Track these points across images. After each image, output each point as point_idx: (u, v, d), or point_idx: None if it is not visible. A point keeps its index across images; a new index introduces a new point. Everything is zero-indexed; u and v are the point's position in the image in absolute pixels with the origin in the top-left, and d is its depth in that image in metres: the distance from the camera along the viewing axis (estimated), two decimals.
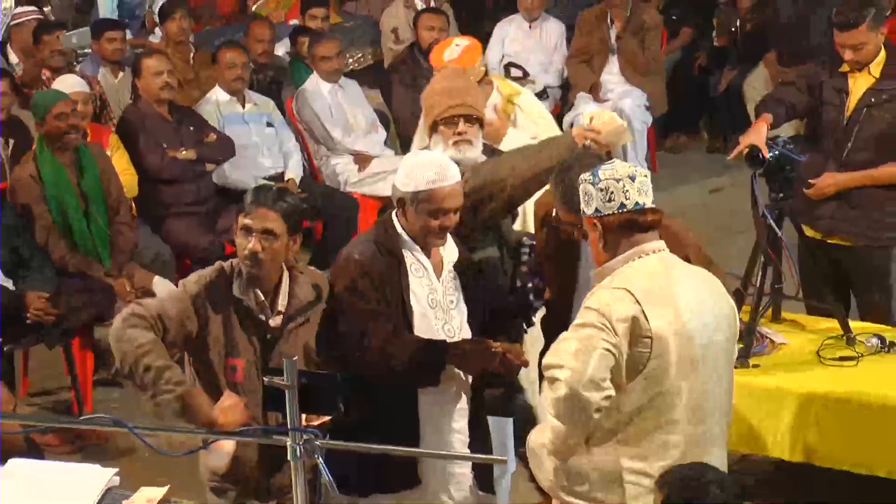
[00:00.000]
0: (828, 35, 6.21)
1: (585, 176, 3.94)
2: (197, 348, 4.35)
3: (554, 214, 4.58)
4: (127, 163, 7.50)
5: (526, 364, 4.44)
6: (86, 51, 9.07)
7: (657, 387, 3.80)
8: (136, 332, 4.17)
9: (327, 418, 4.06)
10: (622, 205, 3.86)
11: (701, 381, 3.87)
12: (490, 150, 5.17)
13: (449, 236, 4.48)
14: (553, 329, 4.15)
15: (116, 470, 4.18)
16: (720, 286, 4.05)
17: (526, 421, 5.03)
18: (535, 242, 4.88)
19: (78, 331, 6.70)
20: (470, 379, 4.51)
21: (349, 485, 4.40)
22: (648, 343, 3.76)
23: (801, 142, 5.80)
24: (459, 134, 4.92)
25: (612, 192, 3.86)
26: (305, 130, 8.66)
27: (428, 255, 4.48)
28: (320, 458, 3.50)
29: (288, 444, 3.46)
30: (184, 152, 7.67)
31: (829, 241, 5.96)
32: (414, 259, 4.46)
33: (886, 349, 5.26)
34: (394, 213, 4.50)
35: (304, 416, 3.55)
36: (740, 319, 4.17)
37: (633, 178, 3.88)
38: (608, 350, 3.73)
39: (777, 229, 5.30)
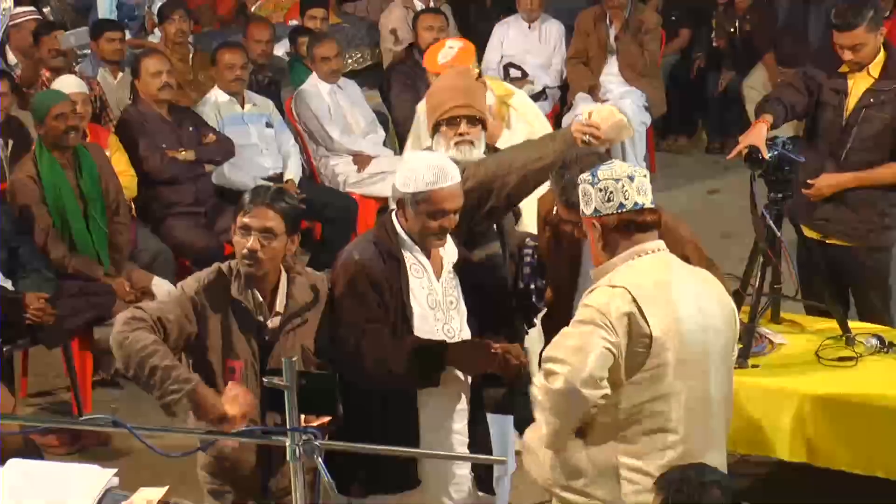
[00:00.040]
0: (826, 36, 6.20)
1: (584, 176, 3.94)
2: (196, 350, 4.35)
3: (555, 212, 4.58)
4: (126, 163, 7.50)
5: (526, 364, 4.45)
6: (85, 51, 9.07)
7: (655, 386, 3.80)
8: (139, 334, 4.17)
9: (326, 419, 4.06)
10: (621, 205, 3.86)
11: (700, 382, 3.87)
12: (488, 151, 5.16)
13: (449, 237, 4.48)
14: (553, 329, 4.15)
15: (116, 470, 4.18)
16: (720, 287, 4.05)
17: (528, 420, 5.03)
18: (537, 243, 4.88)
19: (77, 331, 6.70)
20: (469, 380, 4.52)
21: (349, 486, 4.42)
22: (646, 342, 3.76)
23: (799, 142, 5.80)
24: (461, 135, 4.91)
25: (611, 192, 3.86)
26: (304, 131, 8.66)
27: (427, 255, 4.48)
28: (319, 459, 3.50)
29: (287, 444, 3.46)
30: (183, 153, 7.67)
31: (827, 241, 5.96)
32: (414, 260, 4.46)
33: (885, 349, 5.26)
34: (393, 214, 4.50)
35: (302, 416, 3.55)
36: (739, 320, 4.17)
37: (632, 178, 3.88)
38: (608, 349, 3.73)
39: (776, 230, 5.31)
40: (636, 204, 3.87)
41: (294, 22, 10.39)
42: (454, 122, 4.92)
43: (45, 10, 10.13)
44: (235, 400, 4.18)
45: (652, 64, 10.02)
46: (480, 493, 4.60)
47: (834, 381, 5.05)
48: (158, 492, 4.08)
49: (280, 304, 4.40)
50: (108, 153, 7.32)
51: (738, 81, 10.50)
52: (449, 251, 4.53)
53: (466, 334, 4.51)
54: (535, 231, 4.99)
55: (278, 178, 8.09)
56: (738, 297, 4.95)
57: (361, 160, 8.58)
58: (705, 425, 3.90)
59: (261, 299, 4.37)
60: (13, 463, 4.21)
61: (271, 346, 4.36)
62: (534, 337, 4.97)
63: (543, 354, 3.88)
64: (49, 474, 4.22)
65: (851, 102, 5.82)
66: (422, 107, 6.17)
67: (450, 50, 5.88)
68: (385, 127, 9.01)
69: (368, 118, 8.84)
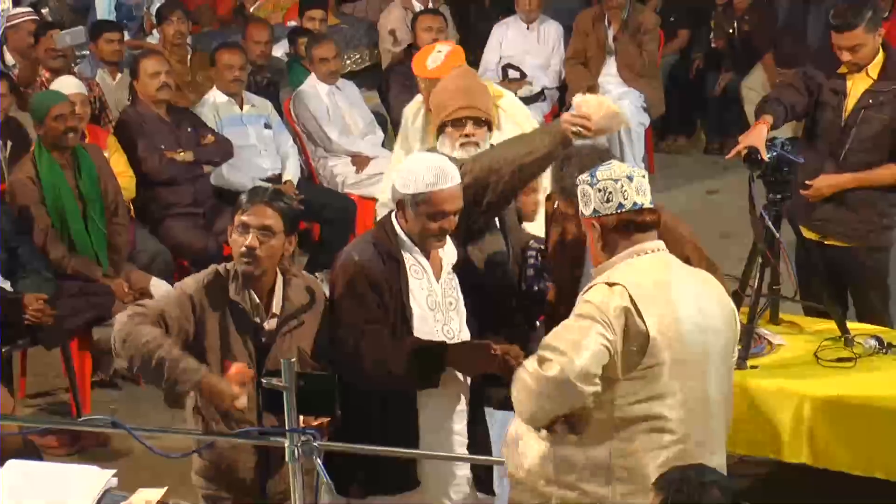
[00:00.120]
0: (825, 37, 6.20)
1: (583, 177, 3.94)
2: (194, 350, 4.33)
3: (556, 205, 4.57)
4: (125, 164, 7.50)
5: None
6: (84, 52, 9.07)
7: (651, 385, 3.79)
8: (143, 328, 4.17)
9: (326, 419, 4.06)
10: (620, 205, 3.86)
11: (699, 382, 3.86)
12: None
13: (448, 238, 4.48)
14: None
15: (114, 471, 4.18)
16: (720, 287, 4.04)
17: None
18: (542, 246, 4.88)
19: (76, 332, 6.70)
20: (469, 380, 4.51)
21: (348, 487, 4.42)
22: (643, 341, 3.75)
23: (798, 143, 5.80)
24: (467, 136, 4.91)
25: (610, 193, 3.86)
26: (303, 132, 8.67)
27: (427, 256, 4.48)
28: (318, 460, 3.50)
29: (286, 445, 3.46)
30: (182, 154, 7.67)
31: (826, 242, 5.96)
32: (413, 261, 4.46)
33: (884, 350, 5.25)
34: (393, 215, 4.50)
35: (301, 417, 3.55)
36: (739, 321, 4.16)
37: (630, 179, 3.88)
38: (605, 346, 3.73)
39: (775, 231, 5.31)
40: (635, 204, 3.87)
41: (293, 23, 10.39)
42: (460, 123, 4.92)
43: (43, 10, 10.13)
44: (237, 377, 4.19)
45: (651, 64, 10.02)
46: (480, 494, 4.60)
47: (833, 383, 5.05)
48: (157, 493, 4.09)
49: (276, 305, 4.40)
50: (106, 154, 7.32)
51: (736, 82, 10.50)
52: (448, 252, 4.53)
53: (466, 335, 4.51)
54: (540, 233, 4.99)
55: (277, 178, 8.10)
56: (736, 297, 4.94)
57: (360, 161, 8.58)
58: (705, 426, 3.89)
59: (258, 301, 4.37)
60: (12, 464, 4.22)
61: (268, 348, 4.37)
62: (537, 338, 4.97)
63: (542, 341, 3.87)
64: (48, 475, 4.22)
65: (850, 103, 5.82)
66: (409, 109, 6.18)
67: (439, 54, 5.86)
68: (383, 128, 9.02)
69: (367, 119, 8.84)
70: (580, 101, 4.63)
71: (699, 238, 4.68)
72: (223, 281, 4.37)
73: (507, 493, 5.14)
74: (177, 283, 4.50)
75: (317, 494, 4.16)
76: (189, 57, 9.35)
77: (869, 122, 5.79)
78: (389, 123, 9.20)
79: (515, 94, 7.10)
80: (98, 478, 4.13)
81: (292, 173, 8.23)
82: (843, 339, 5.31)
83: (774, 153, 5.34)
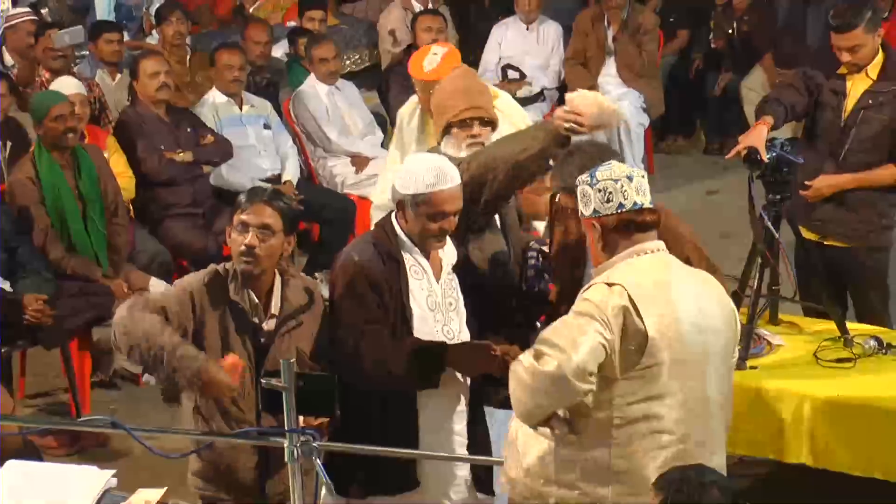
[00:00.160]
0: (825, 37, 6.21)
1: (583, 177, 3.94)
2: None
3: (557, 199, 4.57)
4: (124, 165, 7.50)
5: None
6: (83, 52, 9.07)
7: (650, 385, 3.79)
8: (143, 315, 4.17)
9: (325, 420, 4.06)
10: (620, 205, 3.86)
11: (699, 382, 3.86)
12: None
13: (448, 238, 4.48)
14: None
15: (114, 471, 4.18)
16: (720, 287, 4.04)
17: None
18: (543, 247, 4.87)
19: (76, 332, 6.70)
20: (469, 381, 4.51)
21: (348, 487, 4.42)
22: (641, 341, 3.75)
23: (798, 143, 5.80)
24: (473, 136, 4.91)
25: (610, 193, 3.86)
26: (302, 132, 8.67)
27: (427, 257, 4.48)
28: (318, 461, 3.50)
29: (285, 446, 3.46)
30: (181, 154, 7.67)
31: (825, 242, 5.96)
32: (413, 261, 4.46)
33: (884, 351, 5.25)
34: (393, 215, 4.50)
35: (301, 418, 3.55)
36: (739, 321, 4.16)
37: (630, 179, 3.88)
38: (602, 344, 3.73)
39: (774, 231, 5.31)
40: (635, 204, 3.87)
41: (292, 23, 10.39)
42: (466, 124, 4.92)
43: (42, 10, 10.13)
44: (233, 368, 4.20)
45: (650, 65, 10.02)
46: (480, 494, 4.60)
47: (832, 383, 5.05)
48: (157, 493, 4.08)
49: (275, 306, 4.41)
50: (106, 154, 7.32)
51: (736, 82, 10.50)
52: (448, 252, 4.53)
53: (466, 336, 4.51)
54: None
55: (276, 179, 8.09)
56: (736, 298, 4.94)
57: (359, 161, 8.58)
58: (704, 426, 3.89)
59: (256, 301, 4.37)
60: (12, 464, 4.22)
61: (267, 348, 4.37)
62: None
63: (540, 335, 3.87)
64: (48, 475, 4.22)
65: (850, 104, 5.82)
66: (405, 110, 6.18)
67: (434, 56, 5.86)
68: (383, 128, 9.01)
69: (366, 119, 8.84)
70: (572, 96, 4.63)
71: (699, 238, 4.68)
72: (223, 280, 4.37)
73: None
74: (176, 280, 4.50)
75: (316, 495, 4.17)
76: (188, 57, 9.35)
77: (868, 123, 5.79)
78: (389, 124, 9.19)
79: (515, 94, 7.11)
80: (97, 478, 4.13)
81: (292, 174, 8.23)
82: (842, 339, 5.31)
83: (774, 153, 5.34)
